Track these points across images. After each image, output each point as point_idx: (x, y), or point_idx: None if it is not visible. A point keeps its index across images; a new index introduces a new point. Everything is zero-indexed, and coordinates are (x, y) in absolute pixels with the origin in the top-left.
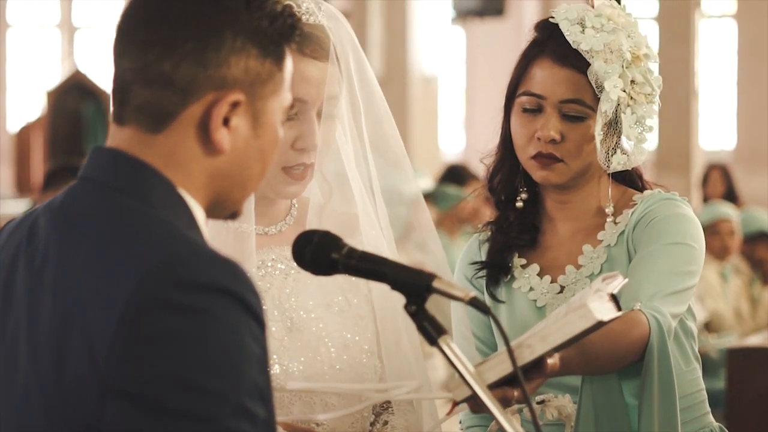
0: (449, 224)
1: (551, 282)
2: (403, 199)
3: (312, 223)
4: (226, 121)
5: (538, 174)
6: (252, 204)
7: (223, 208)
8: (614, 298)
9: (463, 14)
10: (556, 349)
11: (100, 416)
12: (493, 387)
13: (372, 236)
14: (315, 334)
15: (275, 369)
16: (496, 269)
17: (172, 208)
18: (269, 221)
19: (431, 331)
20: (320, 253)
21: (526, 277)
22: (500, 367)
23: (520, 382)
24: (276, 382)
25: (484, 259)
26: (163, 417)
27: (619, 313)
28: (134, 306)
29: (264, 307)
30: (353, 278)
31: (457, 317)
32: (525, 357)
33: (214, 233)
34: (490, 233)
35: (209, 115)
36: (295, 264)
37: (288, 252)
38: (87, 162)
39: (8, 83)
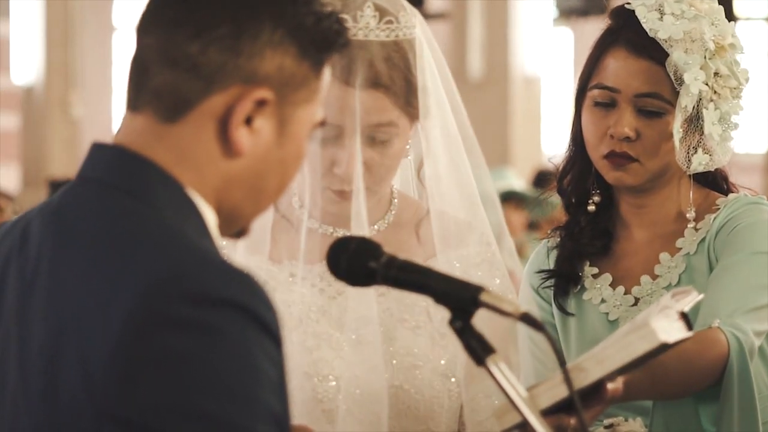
0: (546, 230)
1: (625, 293)
2: (495, 203)
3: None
4: (249, 121)
5: (610, 175)
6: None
7: (232, 223)
8: (685, 317)
9: (566, 13)
10: (616, 374)
11: None
12: (546, 414)
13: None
14: (380, 349)
15: (331, 383)
16: (564, 279)
17: (180, 212)
18: (347, 224)
19: (478, 349)
20: (357, 261)
21: (598, 288)
22: (554, 391)
23: (576, 408)
24: (329, 396)
25: (552, 267)
26: None
27: (689, 334)
28: (135, 323)
29: (280, 322)
30: None
31: (524, 335)
32: (581, 382)
33: (275, 229)
34: (559, 239)
35: (232, 109)
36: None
37: None
38: (87, 158)
39: (114, 86)
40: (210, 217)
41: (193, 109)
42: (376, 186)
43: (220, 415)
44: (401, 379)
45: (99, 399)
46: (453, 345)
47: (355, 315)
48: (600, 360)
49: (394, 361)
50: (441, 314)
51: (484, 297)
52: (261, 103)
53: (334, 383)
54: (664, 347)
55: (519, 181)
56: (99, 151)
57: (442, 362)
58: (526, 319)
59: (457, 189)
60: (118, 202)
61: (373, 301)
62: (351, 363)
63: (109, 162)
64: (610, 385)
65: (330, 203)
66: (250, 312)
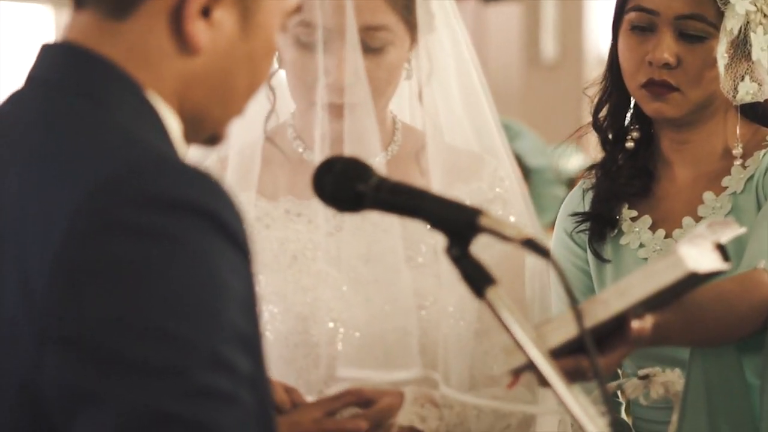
0: None
1: (665, 237)
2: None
3: (432, 160)
4: (206, 12)
5: (649, 106)
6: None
7: (200, 128)
8: (721, 249)
9: None
10: (642, 308)
11: (38, 369)
12: (562, 355)
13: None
14: (384, 289)
15: (329, 325)
16: (600, 222)
17: (137, 114)
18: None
19: (477, 279)
20: (343, 183)
21: (636, 232)
22: (566, 328)
23: (586, 347)
24: (326, 339)
25: (587, 209)
26: (115, 370)
27: (724, 266)
28: (78, 230)
29: (249, 234)
30: None
31: (554, 279)
32: (599, 315)
33: (271, 163)
34: (594, 180)
35: (184, 0)
36: None
37: None
38: (35, 61)
39: None
40: (172, 123)
41: (142, 3)
42: (371, 102)
43: (175, 333)
44: (405, 321)
45: (40, 319)
46: (463, 286)
47: (355, 252)
48: (622, 291)
49: (398, 302)
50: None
51: (483, 221)
52: None
53: (332, 325)
54: (695, 279)
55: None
56: (47, 51)
57: (451, 304)
58: (530, 244)
59: (468, 117)
60: (65, 102)
61: (375, 237)
62: (351, 303)
63: (57, 60)
64: (635, 324)
65: (322, 123)
66: (212, 217)
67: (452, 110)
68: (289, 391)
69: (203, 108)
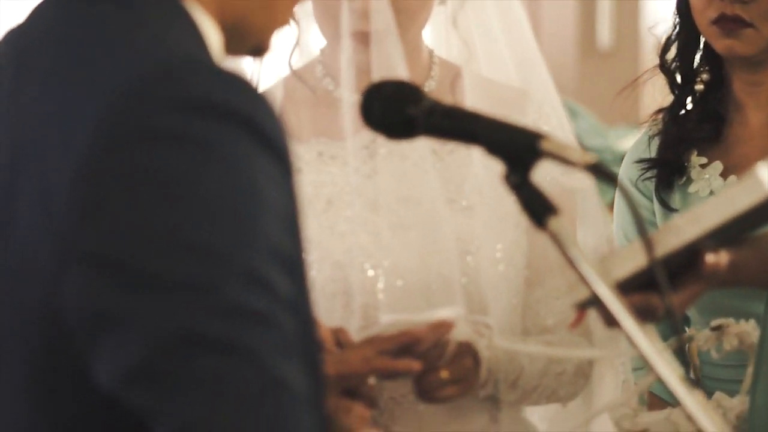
0: None
1: None
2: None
3: (470, 93)
4: None
5: (720, 43)
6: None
7: (243, 37)
8: None
9: None
10: (716, 241)
11: (59, 291)
12: (631, 290)
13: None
14: (426, 234)
15: (368, 273)
16: (668, 168)
17: (167, 19)
18: None
19: (538, 209)
20: (392, 108)
21: (706, 179)
22: (634, 258)
23: (657, 278)
24: (366, 288)
25: (653, 156)
26: (140, 288)
27: None
28: (101, 136)
29: (290, 144)
30: (495, 168)
31: (619, 222)
32: (670, 244)
33: (300, 103)
34: (662, 125)
35: None
36: (419, 146)
37: None
38: None
39: None
40: (212, 35)
41: None
42: (401, 28)
43: (207, 246)
44: (450, 268)
45: (60, 236)
46: (512, 230)
47: (395, 195)
48: (695, 218)
49: (441, 247)
50: (496, 193)
51: (545, 144)
52: None
53: (372, 273)
54: None
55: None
56: None
57: (498, 248)
58: (595, 168)
59: (509, 49)
60: (91, 9)
61: (415, 179)
62: (392, 250)
63: None
64: (710, 258)
65: (347, 54)
66: (248, 123)
67: (491, 40)
68: (336, 331)
69: (246, 15)
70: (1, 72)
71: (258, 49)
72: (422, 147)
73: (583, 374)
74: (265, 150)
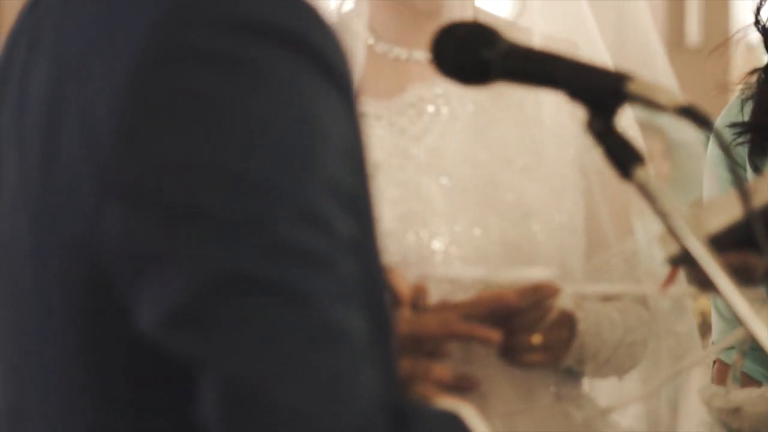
0: None
1: None
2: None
3: None
4: None
5: None
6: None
7: None
8: None
9: None
10: None
11: (100, 226)
12: (727, 247)
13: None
14: (483, 197)
15: (424, 241)
16: (763, 133)
17: None
18: None
19: (624, 157)
20: (467, 50)
21: None
22: (729, 210)
23: (756, 234)
24: (423, 257)
25: (747, 120)
26: (184, 223)
27: None
28: (144, 61)
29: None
30: (553, 128)
31: (710, 182)
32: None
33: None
34: (756, 87)
35: None
36: (470, 104)
37: (459, 88)
38: None
39: None
40: None
41: None
42: None
43: (258, 179)
44: (512, 234)
45: (102, 168)
46: (572, 191)
47: (447, 156)
48: None
49: (502, 211)
50: (554, 154)
51: (631, 87)
52: None
53: (428, 242)
54: None
55: None
56: None
57: (560, 212)
58: (688, 112)
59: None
60: None
61: (469, 138)
62: (447, 216)
63: None
64: None
65: (405, 19)
66: (306, 47)
67: None
68: (417, 289)
69: None
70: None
71: None
72: (472, 104)
73: (645, 345)
74: (324, 77)
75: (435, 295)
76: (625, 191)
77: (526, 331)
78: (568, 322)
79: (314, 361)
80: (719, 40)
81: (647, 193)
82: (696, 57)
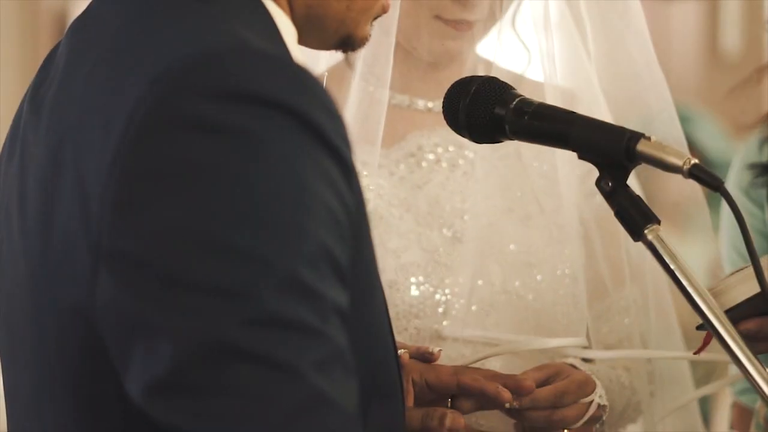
0: None
1: None
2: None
3: None
4: None
5: None
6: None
7: (323, 27)
8: None
9: None
10: None
11: (93, 291)
12: (744, 315)
13: None
14: (485, 247)
15: (427, 292)
16: None
17: (236, 8)
18: (436, 94)
19: (635, 217)
20: (479, 107)
21: None
22: (746, 284)
23: None
24: (428, 308)
25: (767, 160)
26: (171, 291)
27: None
28: (137, 125)
29: (350, 140)
30: (551, 176)
31: (728, 234)
32: None
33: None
34: None
35: None
36: (469, 153)
37: (458, 137)
38: None
39: None
40: (286, 27)
41: None
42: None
43: (246, 248)
44: (516, 284)
45: (95, 232)
46: (574, 240)
47: (448, 207)
48: None
49: (504, 261)
50: (553, 203)
51: (642, 147)
52: None
53: (430, 293)
54: None
55: None
56: None
57: (563, 259)
58: (697, 172)
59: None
60: None
61: (469, 188)
62: (450, 267)
63: None
64: None
65: (438, 39)
66: (297, 114)
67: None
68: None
69: (318, 6)
70: (59, 59)
71: (348, 40)
72: (471, 153)
73: (651, 397)
74: (318, 145)
75: (448, 354)
76: (621, 238)
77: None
78: (598, 417)
79: (300, 430)
80: (757, 53)
81: (658, 255)
82: (733, 71)
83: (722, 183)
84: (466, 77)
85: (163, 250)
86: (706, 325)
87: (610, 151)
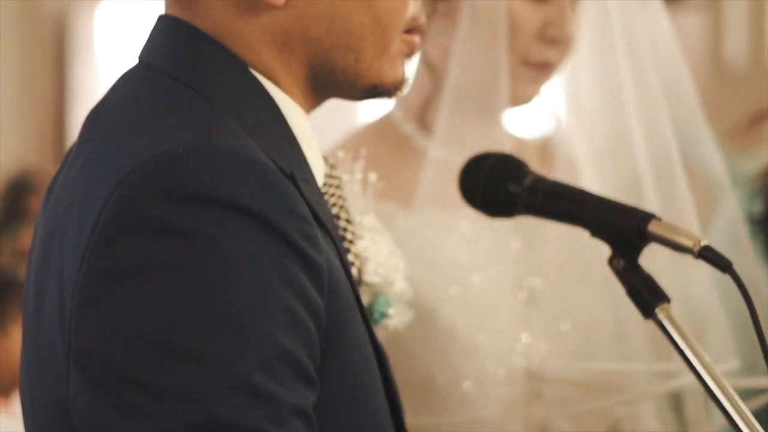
0: None
1: None
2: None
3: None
4: None
5: None
6: None
7: (339, 82)
8: None
9: None
10: None
11: (67, 387)
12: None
13: None
14: (556, 308)
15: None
16: None
17: (234, 90)
18: None
19: (646, 297)
20: (494, 185)
21: None
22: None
23: None
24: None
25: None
26: (126, 390)
27: None
28: (101, 227)
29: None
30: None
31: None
32: None
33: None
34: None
35: None
36: None
37: None
38: (149, 34)
39: None
40: (287, 106)
41: None
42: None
43: (199, 352)
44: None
45: (66, 330)
46: (604, 293)
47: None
48: None
49: (570, 318)
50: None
51: (653, 227)
52: None
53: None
54: None
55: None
56: (157, 24)
57: (602, 316)
58: (708, 254)
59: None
60: (153, 81)
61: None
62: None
63: (155, 34)
64: None
65: (524, 82)
66: (260, 218)
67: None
68: None
69: (325, 61)
70: (74, 146)
71: (377, 89)
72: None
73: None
74: (279, 247)
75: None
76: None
77: None
78: None
79: None
80: (762, 64)
81: (668, 335)
82: (736, 82)
83: (731, 264)
84: (482, 154)
85: (119, 351)
86: (715, 404)
87: (622, 230)
